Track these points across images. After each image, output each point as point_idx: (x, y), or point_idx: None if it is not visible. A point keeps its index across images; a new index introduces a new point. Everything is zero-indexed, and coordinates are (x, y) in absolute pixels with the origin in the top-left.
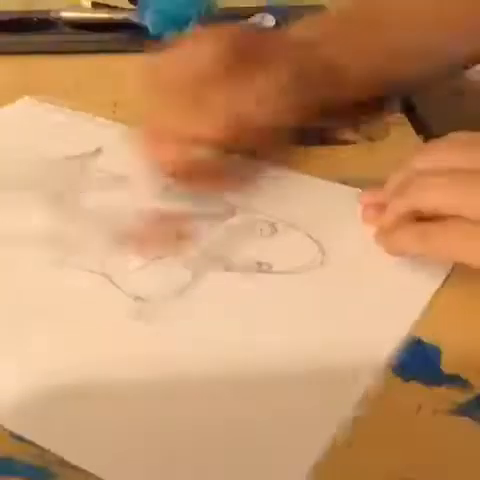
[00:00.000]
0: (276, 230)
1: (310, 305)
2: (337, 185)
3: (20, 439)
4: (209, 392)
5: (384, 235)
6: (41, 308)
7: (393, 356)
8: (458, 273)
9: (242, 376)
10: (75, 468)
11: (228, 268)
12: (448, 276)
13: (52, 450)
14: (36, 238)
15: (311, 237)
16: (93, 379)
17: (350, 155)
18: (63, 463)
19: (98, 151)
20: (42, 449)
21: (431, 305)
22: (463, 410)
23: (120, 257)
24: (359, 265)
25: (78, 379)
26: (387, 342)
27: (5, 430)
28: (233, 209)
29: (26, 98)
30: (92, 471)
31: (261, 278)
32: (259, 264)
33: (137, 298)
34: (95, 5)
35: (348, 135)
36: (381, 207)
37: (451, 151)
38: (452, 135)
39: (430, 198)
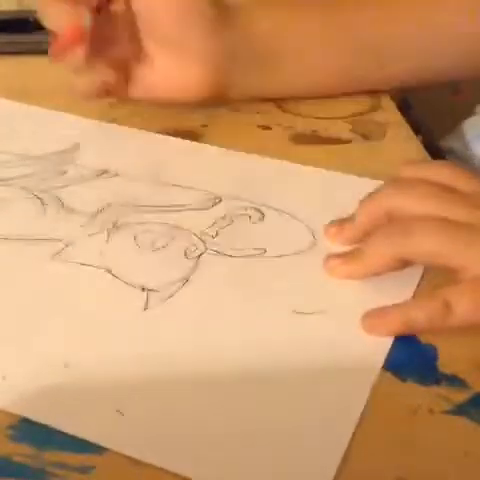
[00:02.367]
0: (264, 216)
1: (312, 289)
2: (322, 171)
3: (17, 440)
4: (218, 380)
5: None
6: (47, 306)
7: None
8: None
9: (251, 367)
10: (72, 469)
11: (225, 254)
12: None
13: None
14: (26, 235)
15: (298, 220)
16: (115, 372)
17: (348, 155)
18: (60, 464)
19: (76, 146)
20: (39, 450)
21: None
22: (460, 410)
23: (116, 249)
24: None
25: (97, 372)
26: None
27: (2, 431)
28: (218, 199)
29: None
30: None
31: (259, 263)
32: (255, 249)
33: (144, 288)
34: None
35: (344, 134)
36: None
37: (427, 196)
38: (430, 167)
39: (424, 244)
